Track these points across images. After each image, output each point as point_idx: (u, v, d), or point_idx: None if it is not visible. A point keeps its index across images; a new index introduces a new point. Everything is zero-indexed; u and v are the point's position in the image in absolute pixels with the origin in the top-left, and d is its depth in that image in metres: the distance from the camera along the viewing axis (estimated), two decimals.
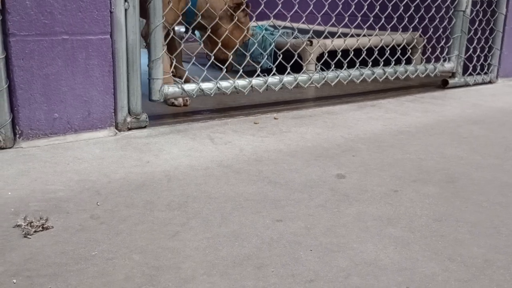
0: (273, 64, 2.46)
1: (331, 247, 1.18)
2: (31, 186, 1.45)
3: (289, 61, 2.45)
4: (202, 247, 1.16)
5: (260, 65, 2.41)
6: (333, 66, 2.56)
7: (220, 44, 2.39)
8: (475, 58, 3.18)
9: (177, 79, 2.20)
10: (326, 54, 2.65)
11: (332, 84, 2.54)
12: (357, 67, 2.63)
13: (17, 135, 1.74)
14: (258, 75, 2.32)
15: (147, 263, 1.09)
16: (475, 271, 1.10)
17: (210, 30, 2.38)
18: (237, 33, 2.58)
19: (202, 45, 2.40)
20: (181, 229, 1.24)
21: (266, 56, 2.94)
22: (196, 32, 3.31)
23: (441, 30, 3.05)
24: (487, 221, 1.34)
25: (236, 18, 2.46)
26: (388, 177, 1.62)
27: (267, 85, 2.33)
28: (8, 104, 1.70)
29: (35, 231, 1.19)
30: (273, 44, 2.93)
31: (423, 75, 2.89)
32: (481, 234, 1.27)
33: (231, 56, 2.58)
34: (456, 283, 1.05)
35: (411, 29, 2.98)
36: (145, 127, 2.01)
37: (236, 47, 2.59)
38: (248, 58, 2.39)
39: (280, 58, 2.42)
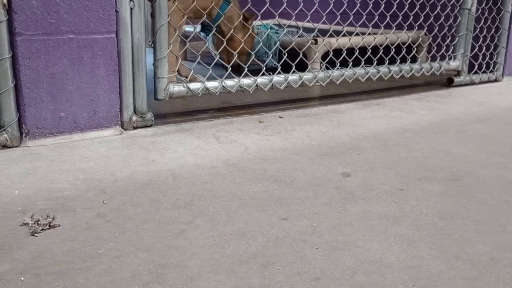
0: (278, 62, 2.46)
1: (337, 245, 1.18)
2: (38, 185, 1.45)
3: (294, 60, 2.45)
4: (208, 245, 1.16)
5: (265, 63, 2.41)
6: (338, 64, 2.56)
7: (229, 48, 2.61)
8: (481, 56, 3.17)
9: (182, 78, 2.20)
10: (331, 53, 2.65)
11: (337, 82, 2.54)
12: (362, 66, 2.62)
13: (24, 134, 1.75)
14: (264, 74, 2.32)
15: (154, 261, 1.09)
16: (481, 269, 1.10)
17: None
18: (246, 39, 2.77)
19: (207, 44, 2.41)
20: (187, 227, 1.24)
21: (271, 55, 2.94)
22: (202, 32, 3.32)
23: (446, 28, 3.04)
24: (493, 219, 1.34)
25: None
26: (393, 175, 1.62)
27: (272, 84, 2.33)
28: (14, 103, 1.70)
29: (42, 230, 1.20)
30: (278, 43, 2.93)
31: (429, 74, 2.88)
32: (487, 232, 1.26)
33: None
34: (462, 281, 1.05)
35: (416, 27, 2.97)
36: (150, 126, 2.02)
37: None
38: (253, 57, 2.39)
39: (285, 57, 2.42)
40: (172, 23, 2.15)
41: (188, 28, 3.30)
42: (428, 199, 1.45)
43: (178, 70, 2.56)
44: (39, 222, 1.22)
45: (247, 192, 1.46)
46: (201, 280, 1.03)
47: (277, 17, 2.37)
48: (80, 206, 1.34)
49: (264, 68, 2.38)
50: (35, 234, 1.18)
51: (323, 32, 2.76)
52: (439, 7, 2.98)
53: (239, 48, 2.52)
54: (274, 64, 2.87)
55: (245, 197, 1.42)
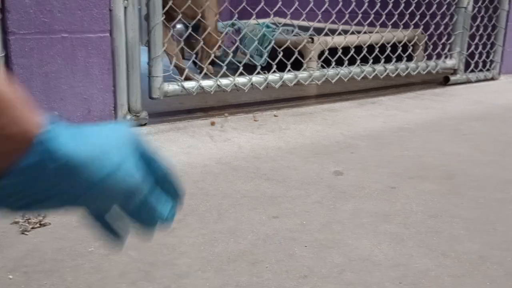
0: (273, 61, 2.46)
1: (326, 243, 1.18)
2: None
3: (290, 59, 2.46)
4: (198, 243, 1.17)
5: (261, 62, 2.41)
6: (334, 63, 2.56)
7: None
8: (477, 55, 3.17)
9: (177, 77, 2.20)
10: (327, 51, 2.65)
11: (333, 81, 2.54)
12: (358, 64, 2.63)
13: None
14: (259, 73, 2.32)
15: (143, 259, 1.10)
16: (468, 267, 1.10)
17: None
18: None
19: (202, 43, 2.41)
20: (177, 226, 1.24)
21: (266, 54, 2.94)
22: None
23: (442, 26, 3.04)
24: (483, 217, 1.34)
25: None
26: (386, 174, 1.62)
27: (267, 83, 2.33)
28: None
29: (32, 228, 1.21)
30: (272, 41, 2.93)
31: (425, 72, 2.89)
32: (476, 230, 1.27)
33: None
34: (449, 278, 1.05)
35: (412, 26, 2.97)
36: (145, 124, 2.02)
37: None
38: (245, 52, 2.40)
39: (280, 56, 2.42)
40: (212, 26, 2.60)
41: None
42: (419, 197, 1.45)
43: (176, 66, 2.58)
44: (29, 220, 1.22)
45: (238, 190, 1.46)
46: (189, 278, 1.03)
47: (272, 15, 2.37)
48: None
49: (260, 66, 2.38)
50: (26, 233, 1.19)
51: (318, 31, 2.76)
52: (435, 5, 2.98)
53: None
54: (263, 63, 2.84)
55: (236, 196, 1.42)
